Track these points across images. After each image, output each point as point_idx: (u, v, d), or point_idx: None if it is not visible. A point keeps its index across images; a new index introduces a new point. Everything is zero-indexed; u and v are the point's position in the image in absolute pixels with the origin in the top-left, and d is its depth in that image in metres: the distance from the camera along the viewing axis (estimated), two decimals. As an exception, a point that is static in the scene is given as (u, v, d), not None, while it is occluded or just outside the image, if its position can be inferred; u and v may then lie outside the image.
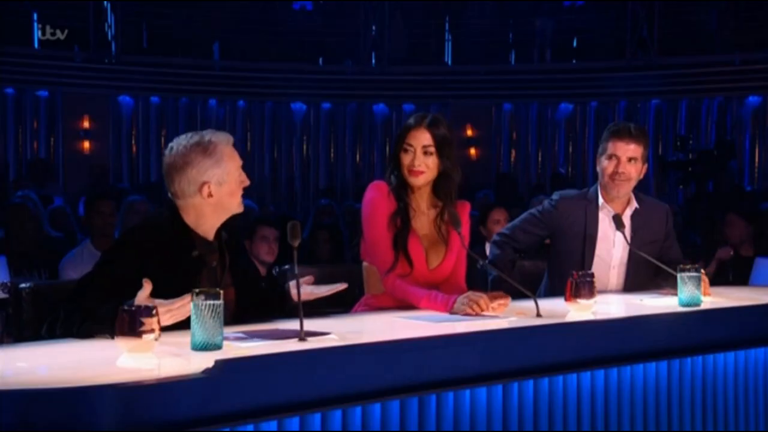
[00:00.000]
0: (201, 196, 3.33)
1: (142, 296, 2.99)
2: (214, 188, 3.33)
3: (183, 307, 3.00)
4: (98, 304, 3.07)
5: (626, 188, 4.52)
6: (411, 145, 3.91)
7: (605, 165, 4.51)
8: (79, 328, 3.06)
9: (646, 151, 4.53)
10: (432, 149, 3.90)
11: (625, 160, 4.47)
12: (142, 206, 7.20)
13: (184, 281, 3.14)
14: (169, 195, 3.39)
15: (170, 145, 3.38)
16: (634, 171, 4.49)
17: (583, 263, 4.45)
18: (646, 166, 4.56)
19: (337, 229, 8.09)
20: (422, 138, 3.90)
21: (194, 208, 3.36)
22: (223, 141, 3.37)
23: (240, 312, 3.49)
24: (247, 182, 3.43)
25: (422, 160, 3.89)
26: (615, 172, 4.47)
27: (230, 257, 3.51)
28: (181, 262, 3.30)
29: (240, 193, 3.40)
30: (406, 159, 3.91)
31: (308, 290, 3.59)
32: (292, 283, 3.59)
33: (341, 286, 3.63)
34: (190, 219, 3.37)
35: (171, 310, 3.00)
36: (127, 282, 3.09)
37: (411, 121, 3.97)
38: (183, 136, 3.39)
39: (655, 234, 4.61)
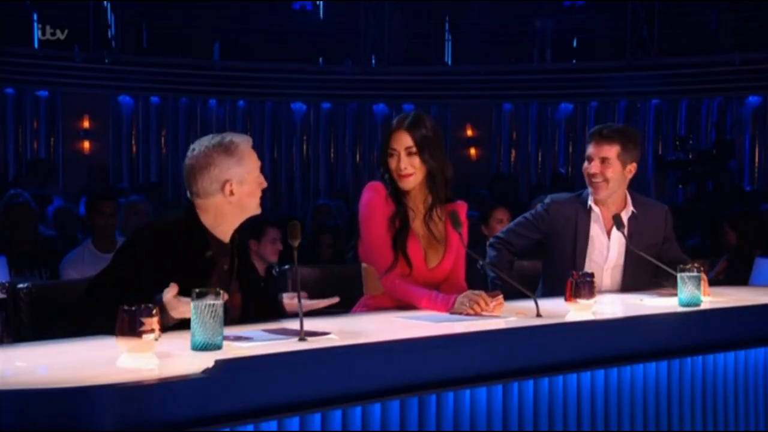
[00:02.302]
0: (223, 194, 3.37)
1: (169, 296, 3.05)
2: (236, 187, 3.38)
3: None
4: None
5: (604, 190, 4.46)
6: (394, 149, 3.90)
7: (584, 167, 4.53)
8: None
9: (624, 151, 4.45)
10: (414, 150, 3.89)
11: (597, 161, 4.44)
12: (143, 206, 7.21)
13: (195, 282, 3.13)
14: (189, 196, 3.44)
15: (192, 146, 3.45)
16: (610, 172, 4.44)
17: (575, 265, 4.41)
18: (631, 166, 4.47)
19: (339, 229, 8.09)
20: (403, 140, 3.89)
21: (215, 207, 3.40)
22: (243, 141, 3.44)
23: (244, 316, 3.50)
24: (265, 184, 3.48)
25: (407, 162, 3.88)
26: (587, 173, 4.48)
27: (239, 262, 3.54)
28: (194, 263, 3.32)
29: (259, 194, 3.46)
30: (392, 163, 3.90)
31: (303, 304, 3.57)
32: (286, 295, 3.65)
33: (334, 300, 3.61)
34: (208, 219, 3.41)
35: None
36: (140, 281, 3.15)
37: (393, 123, 3.96)
38: (204, 138, 3.46)
39: (654, 237, 4.57)
